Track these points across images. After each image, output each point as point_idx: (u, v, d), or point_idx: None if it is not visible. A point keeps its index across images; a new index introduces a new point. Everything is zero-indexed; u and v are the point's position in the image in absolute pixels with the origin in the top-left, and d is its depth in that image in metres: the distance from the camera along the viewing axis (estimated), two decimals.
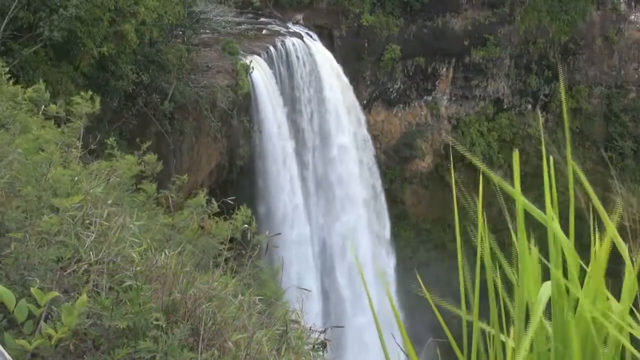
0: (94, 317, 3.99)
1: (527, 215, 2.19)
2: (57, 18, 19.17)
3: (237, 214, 7.44)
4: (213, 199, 8.48)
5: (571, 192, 2.06)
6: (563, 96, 3.06)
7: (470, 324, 2.19)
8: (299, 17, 39.90)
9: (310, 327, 6.07)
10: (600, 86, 50.27)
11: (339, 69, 36.99)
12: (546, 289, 1.95)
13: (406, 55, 43.32)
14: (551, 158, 2.08)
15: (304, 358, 5.62)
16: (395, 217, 43.31)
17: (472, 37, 45.14)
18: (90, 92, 7.83)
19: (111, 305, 4.04)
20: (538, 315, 1.90)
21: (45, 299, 3.67)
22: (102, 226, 4.87)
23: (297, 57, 34.38)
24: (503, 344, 2.15)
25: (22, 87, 8.10)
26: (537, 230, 2.23)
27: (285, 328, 5.48)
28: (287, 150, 33.44)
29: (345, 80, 37.37)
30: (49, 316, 3.82)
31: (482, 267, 2.15)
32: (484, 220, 2.22)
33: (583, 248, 2.20)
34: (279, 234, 24.37)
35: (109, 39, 21.56)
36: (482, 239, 2.15)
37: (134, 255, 4.69)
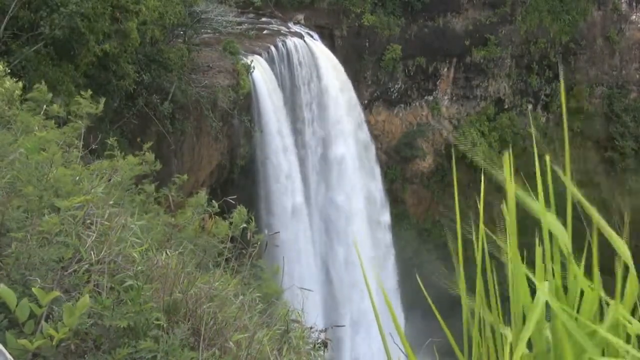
0: (95, 317, 3.99)
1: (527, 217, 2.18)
2: (58, 17, 19.20)
3: (236, 213, 7.44)
4: (213, 200, 8.49)
5: (569, 192, 2.05)
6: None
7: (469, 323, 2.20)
8: (300, 17, 39.91)
9: (311, 327, 6.08)
10: (601, 86, 50.28)
11: (340, 68, 37.00)
12: (542, 292, 1.93)
13: (407, 55, 43.33)
14: (547, 157, 2.08)
15: (304, 358, 5.62)
16: (396, 217, 43.31)
17: (473, 37, 45.14)
18: (90, 92, 7.84)
19: (112, 305, 4.04)
20: (532, 323, 1.90)
21: (47, 299, 3.67)
22: (103, 226, 4.87)
23: (298, 57, 34.39)
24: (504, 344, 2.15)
25: (22, 87, 8.11)
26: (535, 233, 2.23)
27: (286, 328, 5.48)
28: (288, 150, 33.46)
29: (347, 80, 37.38)
30: (50, 316, 3.82)
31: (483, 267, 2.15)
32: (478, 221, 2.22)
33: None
34: (278, 232, 24.38)
35: (111, 37, 21.57)
36: (482, 240, 2.15)
37: (135, 255, 4.69)
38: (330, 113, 35.69)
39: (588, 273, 2.00)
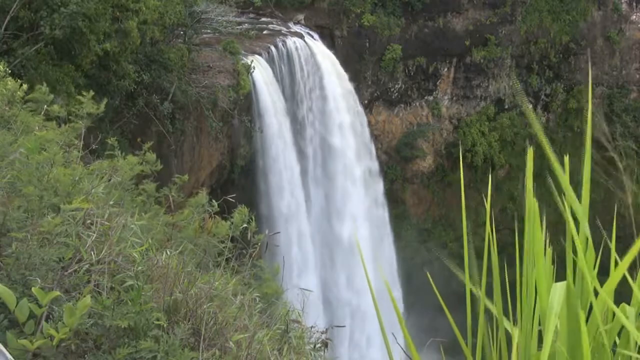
0: (95, 317, 3.99)
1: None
2: (58, 17, 19.19)
3: (237, 213, 7.43)
4: (213, 199, 8.48)
5: (586, 187, 2.05)
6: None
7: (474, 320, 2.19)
8: (300, 17, 39.90)
9: (312, 327, 6.08)
10: (601, 86, 50.26)
11: (340, 68, 36.98)
12: (557, 291, 1.93)
13: (407, 55, 43.31)
14: (566, 158, 2.08)
15: (304, 358, 5.62)
16: (396, 217, 43.30)
17: (473, 37, 45.13)
18: (91, 92, 7.83)
19: (112, 305, 4.04)
20: (552, 324, 1.89)
21: (47, 299, 3.67)
22: (103, 226, 4.87)
23: (298, 57, 34.38)
24: (508, 340, 2.15)
25: (22, 87, 8.10)
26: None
27: (286, 328, 5.48)
28: (288, 150, 33.44)
29: (346, 79, 37.36)
30: (50, 316, 3.82)
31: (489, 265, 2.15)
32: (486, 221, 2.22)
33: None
34: (279, 232, 24.37)
35: (112, 36, 21.56)
36: (489, 239, 2.15)
37: (135, 255, 4.69)
38: (330, 112, 35.65)
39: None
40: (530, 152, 2.02)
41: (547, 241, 2.08)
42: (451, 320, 2.29)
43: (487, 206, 2.24)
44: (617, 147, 49.17)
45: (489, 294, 2.24)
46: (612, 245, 2.03)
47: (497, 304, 2.12)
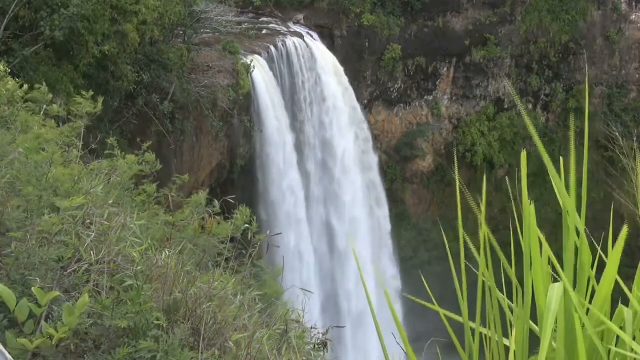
0: (95, 317, 3.99)
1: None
2: (58, 18, 19.18)
3: (237, 213, 7.43)
4: (214, 199, 8.48)
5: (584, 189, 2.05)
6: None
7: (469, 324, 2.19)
8: (300, 16, 39.90)
9: (312, 327, 6.08)
10: (601, 86, 50.25)
11: (339, 68, 36.98)
12: (555, 292, 1.92)
13: (407, 55, 43.31)
14: (561, 159, 2.07)
15: (304, 358, 5.62)
16: (396, 217, 43.30)
17: (473, 36, 45.12)
18: (91, 92, 7.83)
19: (112, 305, 4.04)
20: (550, 323, 1.88)
21: (46, 299, 3.67)
22: (103, 226, 4.87)
23: (298, 57, 34.37)
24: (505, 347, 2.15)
25: (22, 87, 8.10)
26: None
27: (285, 328, 5.48)
28: (287, 150, 33.44)
29: (346, 79, 37.36)
30: (50, 316, 3.82)
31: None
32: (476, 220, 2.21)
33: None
34: (280, 233, 24.33)
35: (110, 38, 21.54)
36: (483, 241, 2.14)
37: (135, 255, 4.69)
38: (330, 112, 35.65)
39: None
40: (523, 155, 2.01)
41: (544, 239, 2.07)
42: (446, 322, 2.29)
43: (482, 209, 2.24)
44: (617, 148, 49.20)
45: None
46: (609, 246, 2.03)
47: (494, 309, 2.11)
